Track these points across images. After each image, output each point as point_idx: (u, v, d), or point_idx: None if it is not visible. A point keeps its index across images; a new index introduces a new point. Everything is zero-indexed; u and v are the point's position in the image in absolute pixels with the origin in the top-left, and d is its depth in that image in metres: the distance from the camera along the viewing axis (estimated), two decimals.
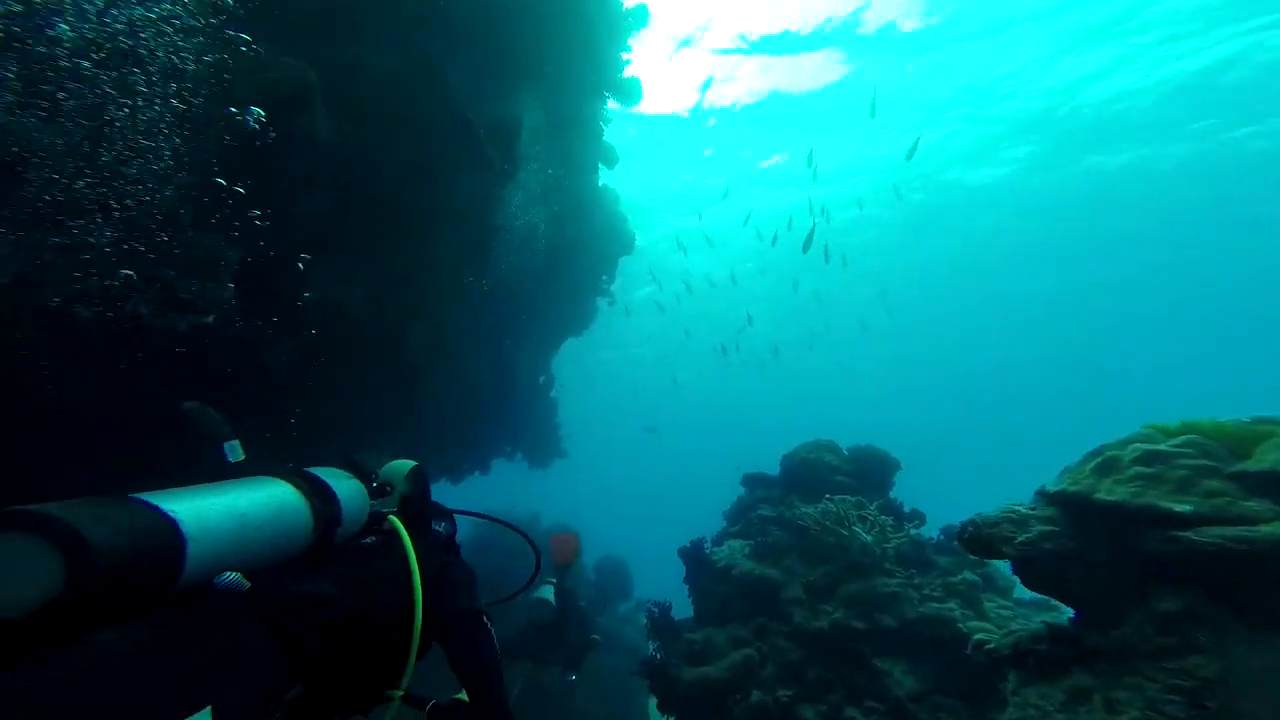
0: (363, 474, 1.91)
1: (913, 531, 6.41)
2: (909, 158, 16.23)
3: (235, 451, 2.13)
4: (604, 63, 12.26)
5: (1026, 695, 3.12)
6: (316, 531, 1.54)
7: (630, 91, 13.59)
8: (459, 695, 1.76)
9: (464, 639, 1.73)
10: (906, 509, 7.05)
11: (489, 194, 9.42)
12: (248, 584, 1.31)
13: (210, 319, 4.67)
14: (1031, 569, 3.48)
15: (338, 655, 1.41)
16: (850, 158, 20.88)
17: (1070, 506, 3.59)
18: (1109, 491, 3.32)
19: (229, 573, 1.30)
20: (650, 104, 16.36)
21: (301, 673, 1.32)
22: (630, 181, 21.05)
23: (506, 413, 13.70)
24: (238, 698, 1.15)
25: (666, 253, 23.54)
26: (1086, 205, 22.09)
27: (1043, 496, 3.77)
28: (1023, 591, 6.91)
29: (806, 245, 18.95)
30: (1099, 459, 3.63)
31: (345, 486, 1.72)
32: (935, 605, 5.61)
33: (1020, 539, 3.51)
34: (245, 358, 6.07)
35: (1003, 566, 6.73)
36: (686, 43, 17.80)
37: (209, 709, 1.06)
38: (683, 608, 8.81)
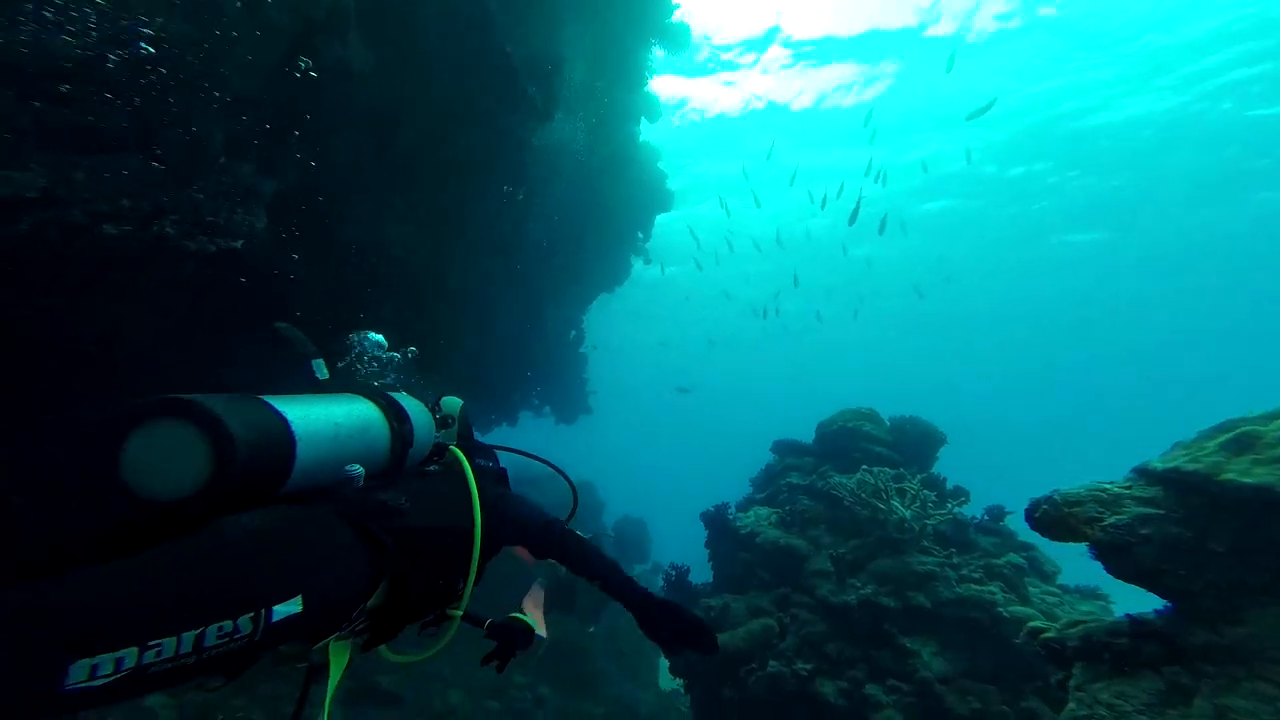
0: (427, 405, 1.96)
1: (955, 510, 6.04)
2: (972, 118, 15.04)
3: (321, 370, 2.14)
4: (652, 4, 11.60)
5: (1095, 692, 2.77)
6: (392, 450, 1.60)
7: (679, 37, 12.88)
8: (516, 614, 1.91)
9: (552, 545, 1.86)
10: (950, 485, 6.65)
11: (527, 135, 9.05)
12: (361, 482, 1.42)
13: (239, 244, 4.53)
14: (1122, 557, 3.01)
15: (411, 565, 1.46)
16: (916, 114, 19.53)
17: (1183, 487, 3.09)
18: (1244, 473, 2.84)
19: (354, 465, 1.42)
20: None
21: (381, 579, 1.36)
22: (674, 136, 20.37)
23: (535, 365, 13.61)
24: (328, 592, 1.20)
25: (708, 211, 22.74)
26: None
27: (1143, 474, 3.27)
28: (1069, 578, 6.55)
29: (853, 218, 18.02)
30: (1229, 434, 3.12)
31: (418, 413, 1.78)
32: (974, 587, 5.27)
33: (1110, 521, 3.05)
34: (280, 289, 5.99)
35: (1049, 550, 6.35)
36: None
37: (300, 596, 1.11)
38: (701, 574, 8.68)
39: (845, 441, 7.47)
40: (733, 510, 8.52)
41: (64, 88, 4.00)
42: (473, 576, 1.68)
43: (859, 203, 17.73)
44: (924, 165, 19.72)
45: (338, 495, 1.39)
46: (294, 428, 1.27)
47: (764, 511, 7.29)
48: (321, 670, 1.39)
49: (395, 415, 1.65)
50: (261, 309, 5.83)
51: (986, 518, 6.54)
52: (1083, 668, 3.05)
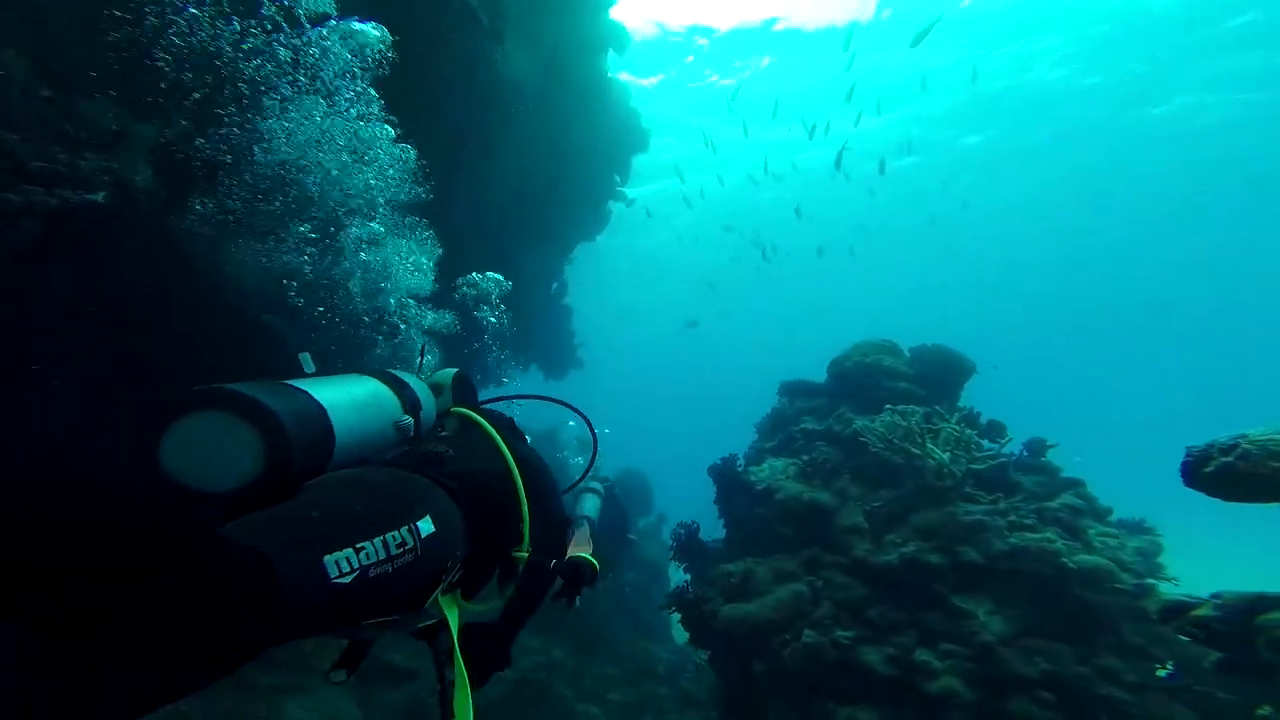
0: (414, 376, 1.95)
1: (997, 449, 5.35)
2: (916, 44, 13.57)
3: (308, 364, 1.98)
4: None
5: None
6: (406, 413, 1.61)
7: None
8: (578, 553, 1.93)
9: (551, 548, 1.86)
10: (984, 419, 5.94)
11: (478, 60, 7.78)
12: (413, 431, 1.56)
13: (100, 197, 3.50)
14: None
15: (476, 506, 1.49)
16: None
17: None
18: None
19: (404, 417, 1.57)
20: None
21: (461, 519, 1.42)
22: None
23: (517, 319, 12.66)
24: (444, 516, 1.33)
25: (693, 150, 21.20)
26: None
27: None
28: (1121, 512, 5.97)
29: (838, 162, 16.75)
30: None
31: (415, 383, 1.79)
32: (1030, 536, 4.62)
33: None
34: (195, 249, 4.96)
35: (1110, 489, 5.71)
36: None
37: (429, 516, 1.28)
38: (710, 528, 8.08)
39: (863, 378, 6.70)
40: (741, 461, 7.84)
41: None
42: (526, 514, 1.68)
43: (842, 151, 16.42)
44: (923, 82, 18.03)
45: (379, 459, 1.47)
46: (328, 409, 1.30)
47: (779, 463, 6.58)
48: (436, 633, 1.48)
49: (397, 385, 1.66)
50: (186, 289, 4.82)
51: (1026, 454, 5.87)
52: None
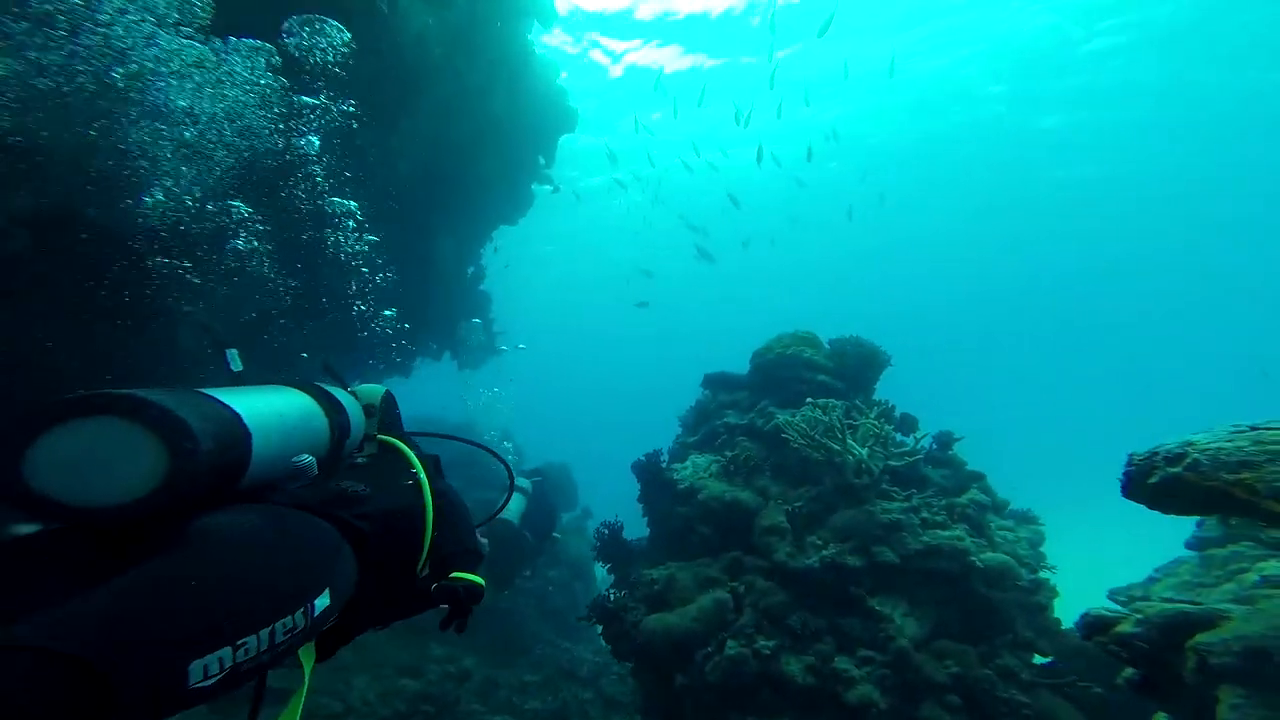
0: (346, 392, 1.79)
1: (911, 444, 5.36)
2: (822, 34, 13.85)
3: (235, 361, 1.85)
4: None
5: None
6: (332, 440, 1.52)
7: None
8: (457, 574, 1.68)
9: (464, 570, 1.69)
10: (897, 413, 5.97)
11: (374, 22, 6.95)
12: (315, 471, 1.35)
13: None
14: None
15: (383, 551, 1.37)
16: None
17: None
18: None
19: (304, 455, 1.34)
20: None
21: (366, 567, 1.29)
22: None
23: (429, 305, 11.82)
24: (341, 584, 1.17)
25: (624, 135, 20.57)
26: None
27: None
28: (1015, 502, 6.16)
29: (759, 157, 16.76)
30: None
31: (350, 404, 1.68)
32: (941, 534, 4.63)
33: None
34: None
35: (996, 478, 5.87)
36: None
37: (328, 590, 1.10)
38: (635, 528, 7.82)
39: (783, 371, 6.59)
40: (665, 457, 7.60)
41: None
42: (425, 553, 1.59)
43: (759, 151, 16.38)
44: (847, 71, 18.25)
45: (286, 489, 1.30)
46: (246, 421, 1.18)
47: (703, 460, 6.38)
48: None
49: (331, 406, 1.55)
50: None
51: (935, 446, 5.95)
52: (1246, 695, 2.17)
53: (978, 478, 5.55)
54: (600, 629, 5.99)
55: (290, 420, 1.34)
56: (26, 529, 0.99)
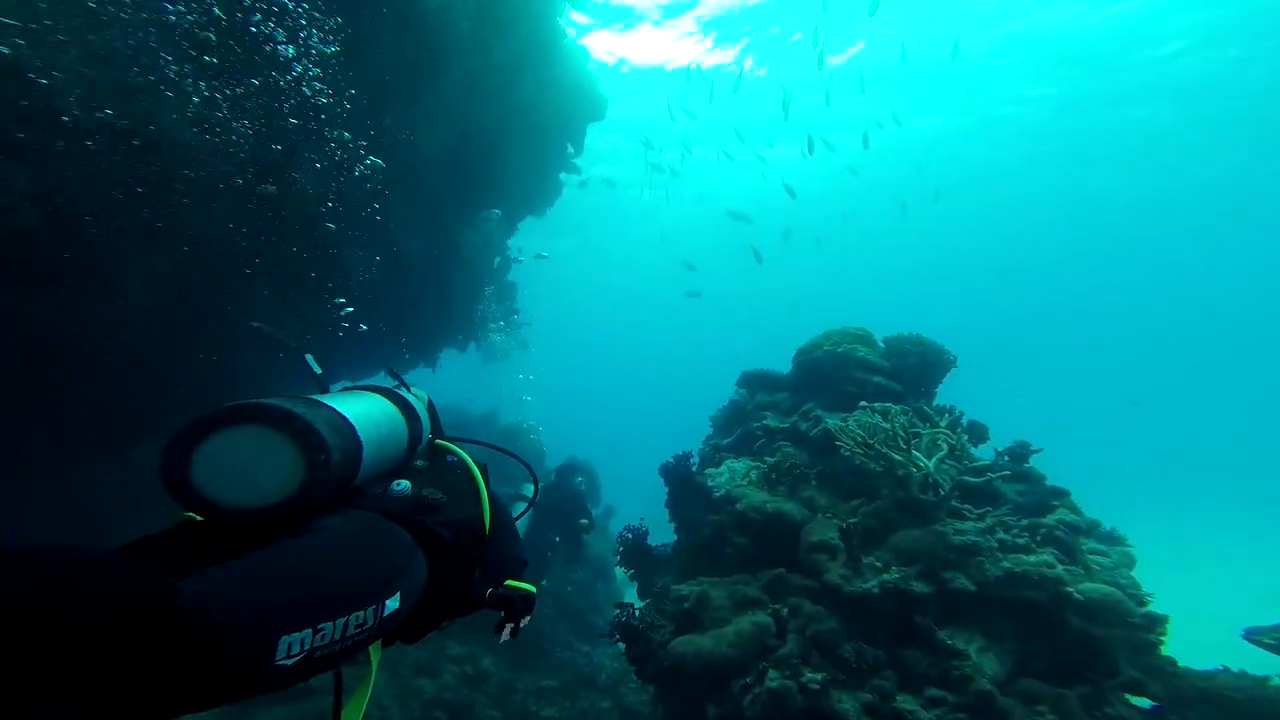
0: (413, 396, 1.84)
1: (989, 455, 4.68)
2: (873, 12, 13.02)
3: (314, 364, 1.84)
4: None
5: None
6: (409, 447, 1.57)
7: None
8: (511, 582, 1.77)
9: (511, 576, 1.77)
10: (965, 420, 5.27)
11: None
12: (409, 488, 1.42)
13: None
14: None
15: (456, 559, 1.43)
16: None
17: None
18: None
19: (402, 481, 1.43)
20: None
21: (436, 572, 1.35)
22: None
23: (453, 298, 11.41)
24: (411, 589, 1.22)
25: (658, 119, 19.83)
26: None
27: None
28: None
29: (810, 147, 15.89)
30: None
31: (420, 407, 1.73)
32: (1027, 560, 3.97)
33: None
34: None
35: (1079, 495, 5.16)
36: None
37: (399, 593, 1.15)
38: (660, 528, 7.27)
39: (833, 370, 5.94)
40: (696, 460, 7.03)
41: None
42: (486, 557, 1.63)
43: (810, 140, 15.48)
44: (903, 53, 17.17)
45: (371, 495, 1.35)
46: (359, 432, 1.26)
47: (740, 466, 5.78)
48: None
49: (410, 414, 1.60)
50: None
51: (1007, 458, 5.25)
52: None
53: (1061, 494, 4.83)
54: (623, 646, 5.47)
55: (384, 430, 1.40)
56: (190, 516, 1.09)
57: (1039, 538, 4.21)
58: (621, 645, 5.12)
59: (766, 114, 18.59)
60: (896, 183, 23.88)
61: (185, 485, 1.04)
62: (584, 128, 13.10)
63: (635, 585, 7.26)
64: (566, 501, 9.28)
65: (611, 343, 47.69)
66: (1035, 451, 5.09)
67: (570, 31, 11.96)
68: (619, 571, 8.67)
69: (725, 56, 18.41)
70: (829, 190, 24.47)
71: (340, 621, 0.98)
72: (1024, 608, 3.93)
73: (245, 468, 1.05)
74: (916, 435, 4.56)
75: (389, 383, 1.81)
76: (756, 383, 7.00)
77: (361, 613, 1.03)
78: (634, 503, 11.14)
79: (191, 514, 1.08)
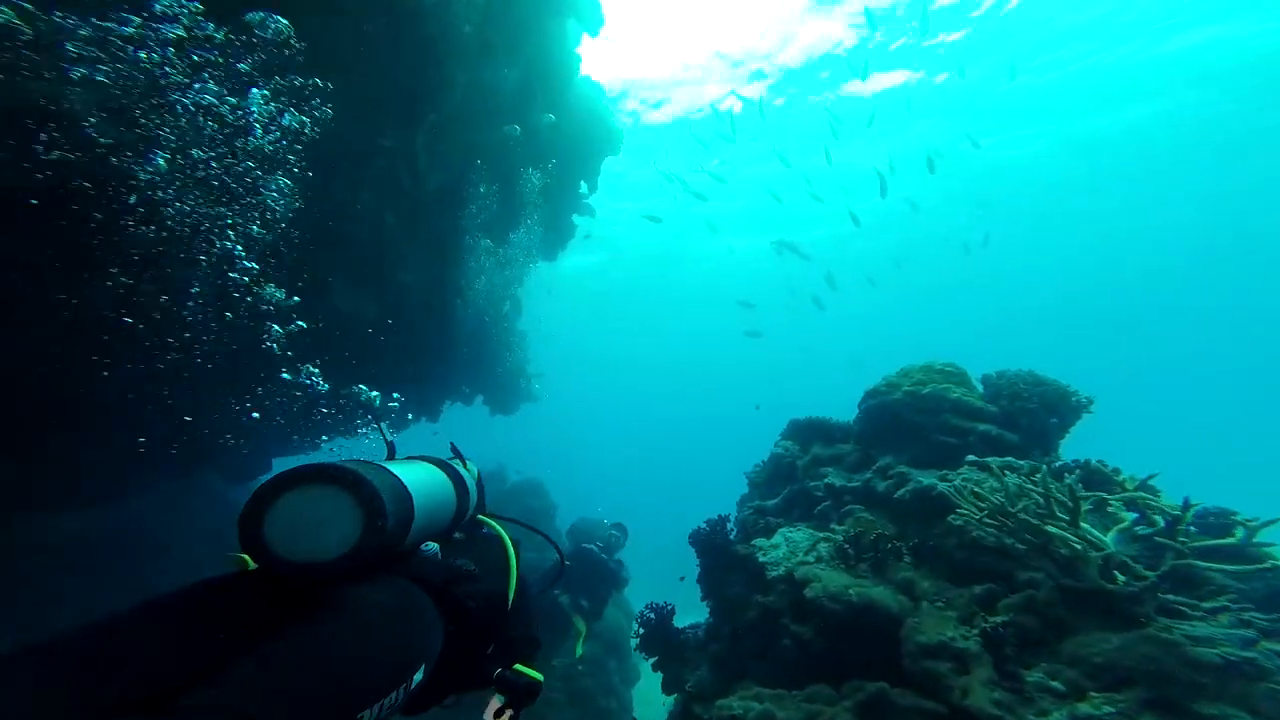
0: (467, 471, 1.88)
1: (1186, 521, 3.22)
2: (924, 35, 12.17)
3: (387, 432, 1.91)
4: None
5: None
6: (453, 520, 1.59)
7: None
8: (519, 666, 1.67)
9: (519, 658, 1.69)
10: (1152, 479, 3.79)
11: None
12: (437, 550, 1.44)
13: None
14: None
15: (480, 629, 1.42)
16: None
17: None
18: None
19: (431, 544, 1.45)
20: None
21: (452, 641, 1.33)
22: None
23: (457, 347, 10.23)
24: (432, 659, 1.21)
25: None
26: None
27: None
28: None
29: (883, 190, 15.11)
30: None
31: (471, 483, 1.76)
32: None
33: None
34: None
35: None
36: None
37: (423, 666, 1.15)
38: (688, 611, 5.76)
39: (917, 416, 4.57)
40: (733, 525, 5.58)
41: None
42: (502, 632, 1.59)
43: (882, 181, 14.57)
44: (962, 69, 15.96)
45: (409, 560, 1.35)
46: (415, 501, 1.29)
47: (800, 537, 4.33)
48: None
49: (460, 489, 1.62)
50: None
51: (1195, 530, 3.73)
52: None
53: None
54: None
55: (436, 501, 1.43)
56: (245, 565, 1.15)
57: None
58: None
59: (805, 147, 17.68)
60: (964, 215, 22.28)
61: (256, 533, 1.07)
62: (598, 163, 12.22)
63: (660, 678, 5.70)
64: (587, 569, 8.08)
65: (614, 385, 45.53)
66: (1247, 524, 3.53)
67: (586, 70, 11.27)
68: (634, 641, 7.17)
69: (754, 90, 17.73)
70: (887, 224, 22.73)
71: (376, 706, 0.97)
72: None
73: (313, 523, 1.08)
74: (1080, 499, 3.15)
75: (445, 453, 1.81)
76: (810, 432, 5.63)
77: (394, 694, 1.02)
78: (641, 561, 9.66)
79: (246, 557, 1.10)
